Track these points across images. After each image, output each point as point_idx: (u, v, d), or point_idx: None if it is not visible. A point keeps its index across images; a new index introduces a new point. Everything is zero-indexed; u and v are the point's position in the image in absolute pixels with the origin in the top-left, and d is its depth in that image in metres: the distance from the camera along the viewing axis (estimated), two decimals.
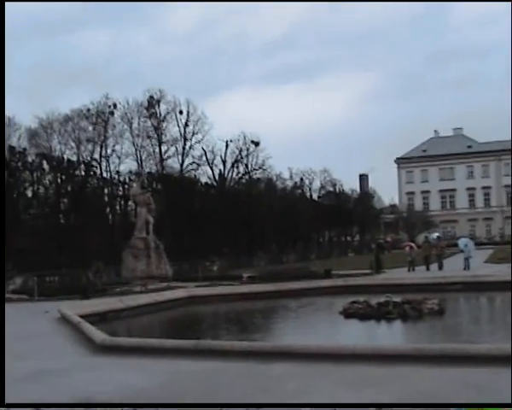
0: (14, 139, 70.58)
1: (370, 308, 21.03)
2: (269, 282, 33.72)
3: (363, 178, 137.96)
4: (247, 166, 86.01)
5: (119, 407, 9.60)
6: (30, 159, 63.76)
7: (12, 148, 62.20)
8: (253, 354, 12.39)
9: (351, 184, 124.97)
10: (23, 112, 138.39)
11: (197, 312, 26.22)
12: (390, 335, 18.78)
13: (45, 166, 65.27)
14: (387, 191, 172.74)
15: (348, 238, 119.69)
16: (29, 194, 65.97)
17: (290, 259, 75.99)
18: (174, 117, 79.18)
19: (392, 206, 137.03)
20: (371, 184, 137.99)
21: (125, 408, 9.64)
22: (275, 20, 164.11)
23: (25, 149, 64.29)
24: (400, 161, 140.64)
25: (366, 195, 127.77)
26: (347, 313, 21.12)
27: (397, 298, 21.25)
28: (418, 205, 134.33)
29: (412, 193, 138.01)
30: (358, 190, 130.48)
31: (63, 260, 57.84)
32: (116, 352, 13.91)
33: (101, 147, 73.50)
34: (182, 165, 79.74)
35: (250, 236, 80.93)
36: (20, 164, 61.56)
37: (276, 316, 24.31)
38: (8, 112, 66.30)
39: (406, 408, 9.09)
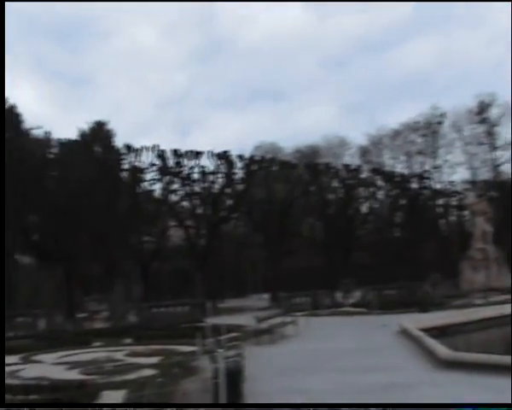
0: (348, 158, 73.47)
1: None
2: None
3: None
4: None
5: (122, 407, 9.71)
6: (363, 175, 65.41)
7: (346, 166, 64.46)
8: None
9: None
10: (354, 130, 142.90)
11: None
12: None
13: (378, 181, 66.50)
14: None
15: None
16: (364, 209, 67.66)
17: None
18: (507, 120, 75.39)
19: None
20: None
21: (128, 408, 9.74)
22: None
23: (358, 166, 66.15)
24: None
25: None
26: None
27: None
28: None
29: None
30: None
31: (399, 274, 58.20)
32: (459, 367, 13.41)
33: (432, 158, 72.87)
34: None
35: None
36: (354, 181, 63.41)
37: None
38: (341, 132, 69.13)
39: (406, 408, 9.37)
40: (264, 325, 25.24)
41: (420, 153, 73.16)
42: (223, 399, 10.94)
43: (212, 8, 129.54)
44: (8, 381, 15.61)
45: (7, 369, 18.06)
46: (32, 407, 10.56)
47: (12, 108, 46.82)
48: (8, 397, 13.15)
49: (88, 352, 21.84)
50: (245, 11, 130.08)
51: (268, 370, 15.69)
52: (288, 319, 26.64)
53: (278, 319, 26.34)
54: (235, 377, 12.07)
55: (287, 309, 31.93)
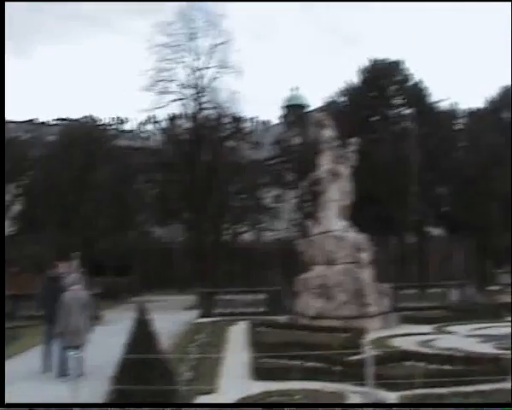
0: None
1: None
2: None
3: None
4: None
5: (118, 407, 9.58)
6: None
7: None
8: None
9: None
10: None
11: None
12: None
13: None
14: None
15: None
16: None
17: None
18: None
19: None
20: None
21: (126, 408, 9.64)
22: None
23: None
24: None
25: None
26: None
27: None
28: None
29: None
30: None
31: None
32: None
33: None
34: None
35: None
36: None
37: None
38: None
39: (405, 408, 9.41)
40: None
41: None
42: None
43: None
44: (422, 349, 16.05)
45: (420, 338, 18.55)
46: (32, 407, 10.94)
47: (417, 83, 47.33)
48: (421, 365, 13.49)
49: (501, 326, 21.32)
50: None
51: None
52: None
53: None
54: None
55: None
